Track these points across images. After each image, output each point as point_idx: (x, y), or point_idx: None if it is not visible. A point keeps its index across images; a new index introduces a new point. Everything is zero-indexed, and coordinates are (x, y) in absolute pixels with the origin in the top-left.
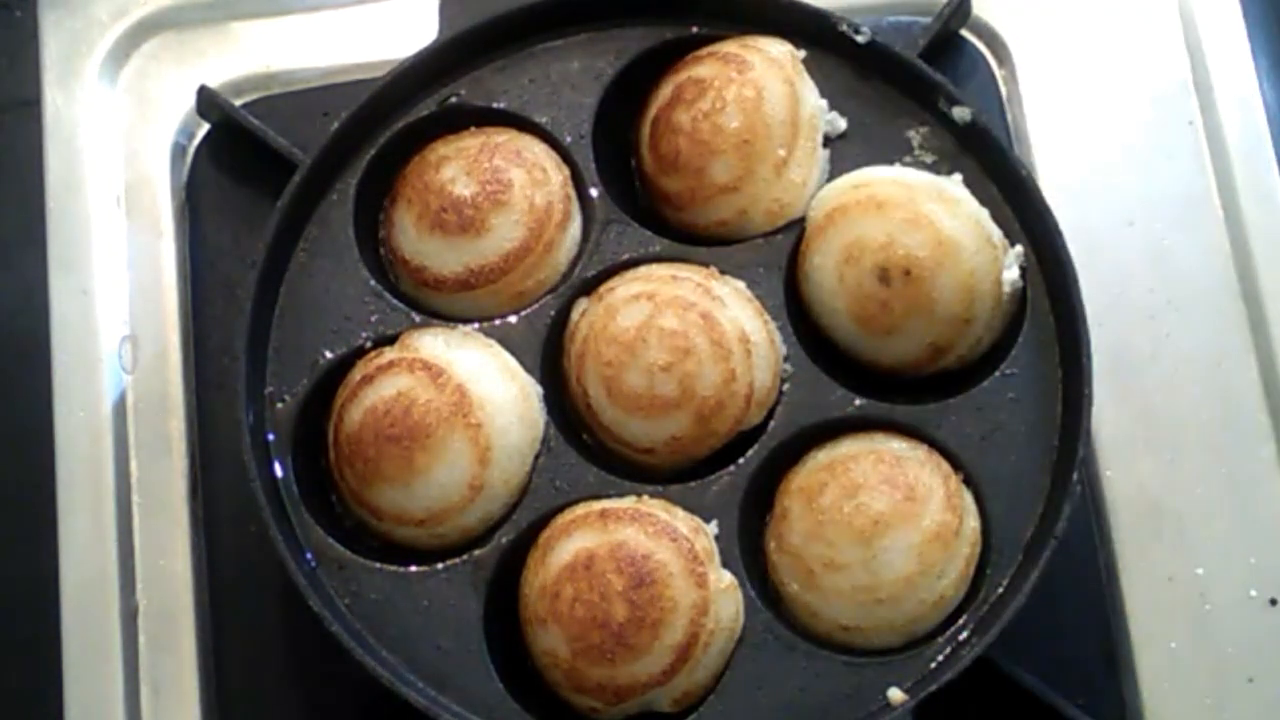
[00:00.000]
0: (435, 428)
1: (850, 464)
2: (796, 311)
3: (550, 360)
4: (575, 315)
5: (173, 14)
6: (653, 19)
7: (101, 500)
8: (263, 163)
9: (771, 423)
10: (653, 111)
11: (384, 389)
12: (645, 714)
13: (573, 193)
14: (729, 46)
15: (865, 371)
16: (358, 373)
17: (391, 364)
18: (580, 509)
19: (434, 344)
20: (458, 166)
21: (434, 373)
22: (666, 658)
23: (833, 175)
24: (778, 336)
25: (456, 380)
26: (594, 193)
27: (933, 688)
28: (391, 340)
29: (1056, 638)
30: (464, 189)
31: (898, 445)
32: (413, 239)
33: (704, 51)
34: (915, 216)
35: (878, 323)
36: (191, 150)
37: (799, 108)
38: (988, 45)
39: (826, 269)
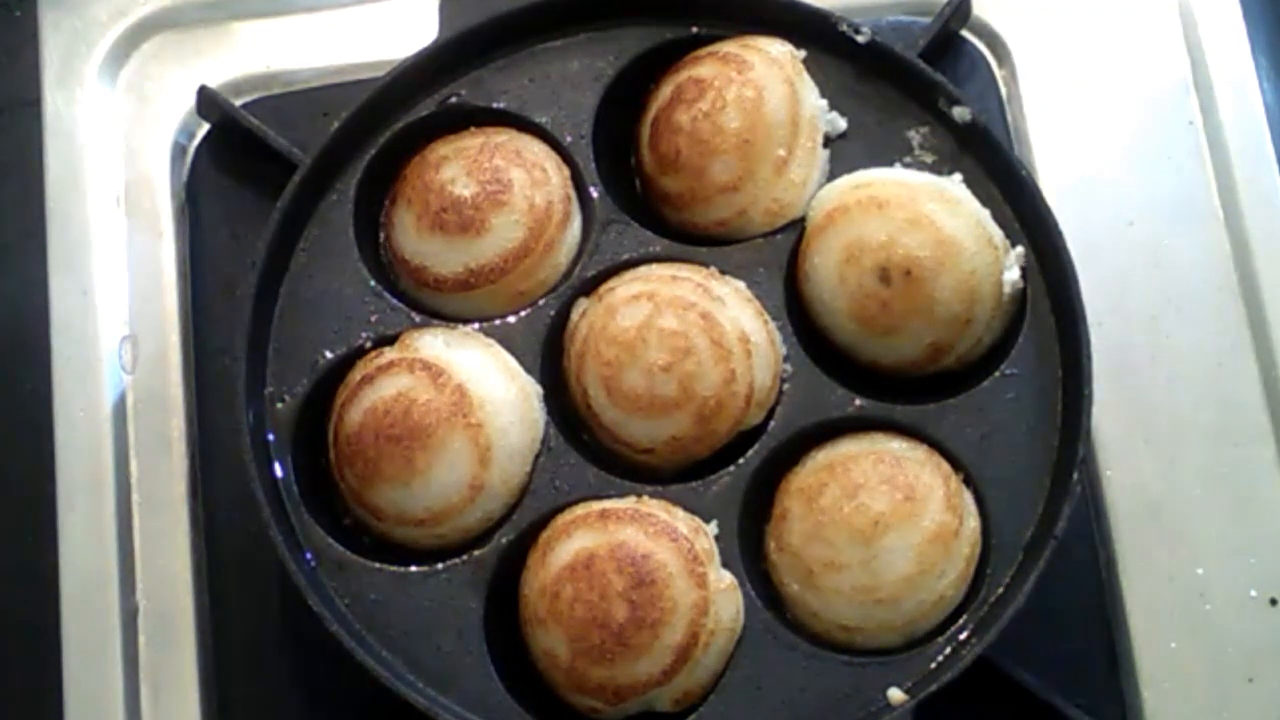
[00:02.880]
0: (435, 428)
1: (850, 464)
2: (796, 311)
3: (550, 360)
4: (575, 315)
5: (173, 14)
6: (653, 19)
7: (101, 500)
8: (263, 163)
9: (771, 423)
10: (653, 112)
11: (384, 389)
12: (645, 714)
13: (573, 193)
14: (729, 47)
15: (865, 372)
16: (358, 373)
17: (391, 364)
18: (580, 509)
19: (434, 344)
20: (458, 166)
21: (434, 373)
22: (666, 658)
23: (833, 175)
24: (778, 337)
25: (456, 380)
26: (594, 193)
27: (933, 688)
28: (391, 340)
29: (1056, 638)
30: (464, 189)
31: (898, 445)
32: (413, 239)
33: (704, 52)
34: (916, 216)
35: (878, 322)
36: (191, 150)
37: (799, 108)
38: (988, 45)
39: (827, 269)
